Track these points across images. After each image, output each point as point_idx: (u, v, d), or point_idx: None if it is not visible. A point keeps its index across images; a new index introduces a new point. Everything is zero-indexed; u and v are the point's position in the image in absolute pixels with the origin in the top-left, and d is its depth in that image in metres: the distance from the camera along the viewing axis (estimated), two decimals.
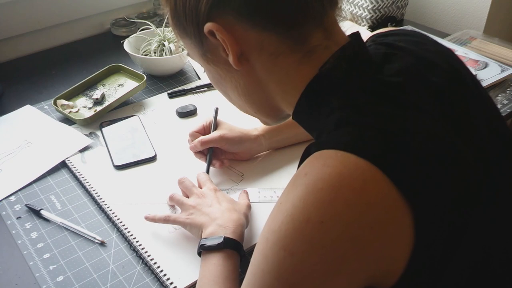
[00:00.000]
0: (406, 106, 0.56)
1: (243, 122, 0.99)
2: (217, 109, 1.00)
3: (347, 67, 0.59)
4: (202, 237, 0.77)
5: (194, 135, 0.97)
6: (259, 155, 1.02)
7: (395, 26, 1.49)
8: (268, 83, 0.63)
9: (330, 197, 0.49)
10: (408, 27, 1.40)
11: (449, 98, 0.60)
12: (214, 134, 0.95)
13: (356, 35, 0.62)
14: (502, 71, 1.25)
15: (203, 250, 0.76)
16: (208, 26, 0.59)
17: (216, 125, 0.98)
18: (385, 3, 1.47)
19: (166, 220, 0.83)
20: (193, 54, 0.67)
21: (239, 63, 0.61)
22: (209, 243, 0.75)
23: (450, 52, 0.67)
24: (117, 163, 0.99)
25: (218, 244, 0.74)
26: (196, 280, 0.75)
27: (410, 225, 0.50)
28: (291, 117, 0.68)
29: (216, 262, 0.73)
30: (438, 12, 1.62)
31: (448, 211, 0.52)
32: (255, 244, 0.82)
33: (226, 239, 0.75)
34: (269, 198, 0.93)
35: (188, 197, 0.87)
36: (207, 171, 0.94)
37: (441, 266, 0.52)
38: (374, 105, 0.55)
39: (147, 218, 0.84)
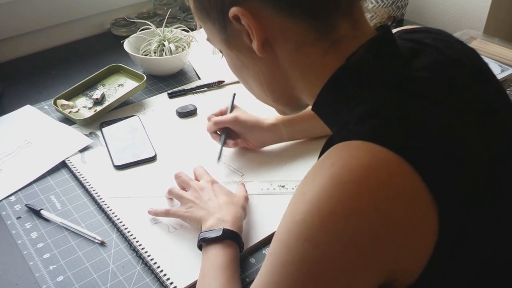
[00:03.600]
0: (432, 101, 0.55)
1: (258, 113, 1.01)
2: (234, 94, 1.03)
3: (375, 59, 0.58)
4: (202, 230, 0.78)
5: (211, 118, 1.00)
6: (264, 150, 1.03)
7: (395, 26, 1.49)
8: (290, 72, 0.63)
9: (357, 189, 0.49)
10: (408, 27, 1.40)
11: (471, 96, 0.60)
12: (228, 115, 0.99)
13: (386, 27, 0.62)
14: (502, 71, 1.25)
15: (204, 243, 0.77)
16: (233, 10, 0.58)
17: (232, 108, 1.01)
18: (385, 3, 1.47)
19: (166, 214, 0.86)
20: (214, 40, 0.66)
21: (263, 50, 0.60)
22: (209, 235, 0.76)
23: (474, 52, 0.67)
24: (117, 163, 0.99)
25: (218, 236, 0.76)
26: (196, 281, 0.75)
27: (434, 221, 0.50)
28: (308, 108, 0.67)
29: (216, 253, 0.75)
30: (438, 12, 1.62)
31: (462, 208, 0.52)
32: (255, 245, 0.83)
33: (225, 231, 0.76)
34: (266, 191, 0.93)
35: (185, 191, 0.88)
36: (220, 151, 0.99)
37: (450, 264, 0.52)
38: (401, 99, 0.55)
39: (150, 212, 0.87)
